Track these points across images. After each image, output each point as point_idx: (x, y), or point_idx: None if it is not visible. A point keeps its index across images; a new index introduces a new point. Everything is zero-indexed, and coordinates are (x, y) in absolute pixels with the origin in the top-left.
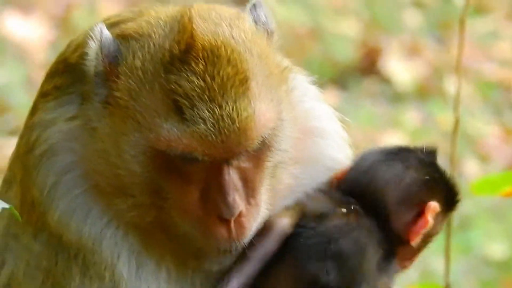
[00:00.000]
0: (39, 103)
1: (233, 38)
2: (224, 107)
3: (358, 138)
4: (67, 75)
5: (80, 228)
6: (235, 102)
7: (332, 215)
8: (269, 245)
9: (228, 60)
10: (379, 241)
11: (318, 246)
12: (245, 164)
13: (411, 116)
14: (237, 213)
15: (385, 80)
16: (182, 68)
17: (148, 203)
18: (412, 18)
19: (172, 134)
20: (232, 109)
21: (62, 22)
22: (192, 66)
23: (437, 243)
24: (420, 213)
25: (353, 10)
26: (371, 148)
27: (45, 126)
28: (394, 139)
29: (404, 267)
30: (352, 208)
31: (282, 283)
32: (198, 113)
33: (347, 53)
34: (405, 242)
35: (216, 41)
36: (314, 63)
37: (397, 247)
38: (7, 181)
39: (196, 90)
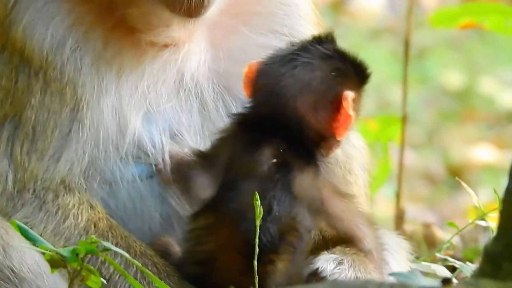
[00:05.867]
0: None
1: None
2: None
3: None
4: None
5: (43, 36)
6: None
7: (266, 171)
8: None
9: None
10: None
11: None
12: None
13: None
14: None
15: None
16: None
17: None
18: None
19: None
20: None
21: None
22: None
23: (394, 73)
24: (338, 107)
25: None
26: (266, 60)
27: None
28: None
29: (331, 153)
30: (281, 150)
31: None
32: None
33: None
34: (329, 137)
35: None
36: None
37: (319, 144)
38: None
39: None
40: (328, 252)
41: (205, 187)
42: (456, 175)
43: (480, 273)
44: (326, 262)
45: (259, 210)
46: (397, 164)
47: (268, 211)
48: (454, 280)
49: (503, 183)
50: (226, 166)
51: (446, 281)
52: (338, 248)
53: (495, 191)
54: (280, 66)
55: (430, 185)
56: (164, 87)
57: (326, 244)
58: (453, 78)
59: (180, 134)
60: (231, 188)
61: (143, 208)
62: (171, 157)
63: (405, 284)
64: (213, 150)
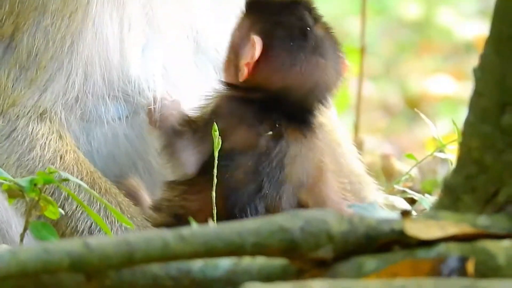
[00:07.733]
0: None
1: None
2: None
3: None
4: None
5: None
6: None
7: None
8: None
9: None
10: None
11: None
12: None
13: None
14: None
15: None
16: None
17: None
18: None
19: None
20: None
21: None
22: None
23: (352, 5)
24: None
25: None
26: (270, 40)
27: None
28: None
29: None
30: (276, 125)
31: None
32: None
33: None
34: None
35: None
36: None
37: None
38: None
39: None
40: None
41: (190, 163)
42: (414, 106)
43: (439, 206)
44: None
45: (218, 142)
46: (355, 95)
47: (259, 188)
48: (413, 212)
49: (461, 114)
50: (221, 135)
51: (405, 213)
52: None
53: (453, 122)
54: (287, 55)
55: (388, 117)
56: (165, 18)
57: None
58: (411, 9)
59: (173, 72)
60: (228, 159)
61: (115, 150)
62: (162, 111)
63: (364, 217)
64: (204, 117)
